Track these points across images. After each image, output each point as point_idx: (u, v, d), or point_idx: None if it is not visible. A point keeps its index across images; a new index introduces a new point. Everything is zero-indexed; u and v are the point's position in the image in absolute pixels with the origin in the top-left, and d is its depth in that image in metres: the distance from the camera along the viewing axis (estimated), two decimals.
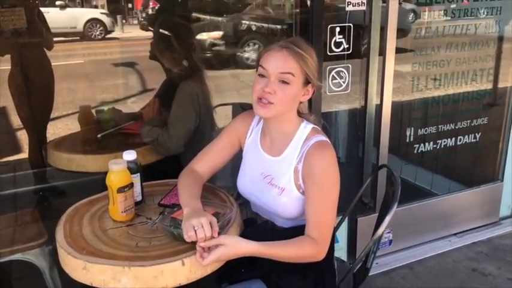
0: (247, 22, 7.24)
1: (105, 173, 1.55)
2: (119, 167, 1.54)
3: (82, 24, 7.92)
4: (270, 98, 1.47)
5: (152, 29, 2.58)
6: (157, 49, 2.43)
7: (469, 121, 3.07)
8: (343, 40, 2.36)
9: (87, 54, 8.32)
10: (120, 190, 1.52)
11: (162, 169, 2.27)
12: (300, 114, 1.60)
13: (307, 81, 1.52)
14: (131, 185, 1.56)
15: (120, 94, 5.77)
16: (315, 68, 1.51)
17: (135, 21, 9.96)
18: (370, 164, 2.77)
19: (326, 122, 1.99)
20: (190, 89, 2.33)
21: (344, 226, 2.65)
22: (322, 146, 1.51)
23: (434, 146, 3.01)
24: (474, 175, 3.25)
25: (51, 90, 3.46)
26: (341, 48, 2.37)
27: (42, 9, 3.37)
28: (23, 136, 4.07)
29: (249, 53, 6.97)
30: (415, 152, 2.97)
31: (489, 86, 3.12)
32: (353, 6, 2.34)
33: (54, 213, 1.70)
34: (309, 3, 2.32)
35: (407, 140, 2.93)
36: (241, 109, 2.44)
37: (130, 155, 1.64)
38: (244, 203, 1.80)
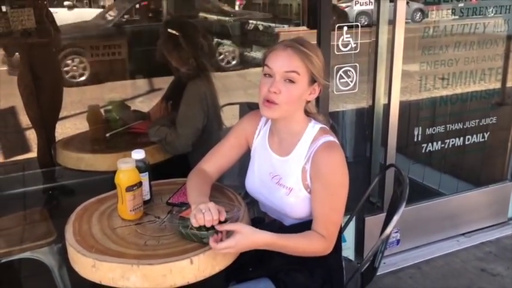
0: None
1: (114, 172, 1.56)
2: (127, 166, 1.54)
3: None
4: (275, 99, 1.46)
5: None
6: (165, 49, 2.44)
7: (477, 120, 3.06)
8: (350, 39, 2.36)
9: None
10: (129, 189, 1.53)
11: (170, 168, 2.28)
12: (308, 113, 1.59)
13: (313, 80, 1.50)
14: (140, 184, 1.57)
15: (128, 94, 5.79)
16: (320, 67, 1.50)
17: None
18: (377, 163, 2.77)
19: (333, 122, 1.99)
20: (198, 88, 2.34)
21: (352, 226, 2.64)
22: (330, 146, 1.51)
23: (442, 145, 2.99)
24: (482, 175, 3.23)
25: (59, 89, 3.48)
26: (348, 47, 2.37)
27: (51, 9, 3.38)
28: (31, 135, 4.10)
29: None
30: (423, 151, 2.96)
31: (497, 85, 3.10)
32: (361, 5, 2.34)
33: (63, 212, 1.72)
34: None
35: (415, 140, 2.92)
36: (249, 108, 2.44)
37: (139, 154, 1.65)
38: (251, 202, 1.80)
